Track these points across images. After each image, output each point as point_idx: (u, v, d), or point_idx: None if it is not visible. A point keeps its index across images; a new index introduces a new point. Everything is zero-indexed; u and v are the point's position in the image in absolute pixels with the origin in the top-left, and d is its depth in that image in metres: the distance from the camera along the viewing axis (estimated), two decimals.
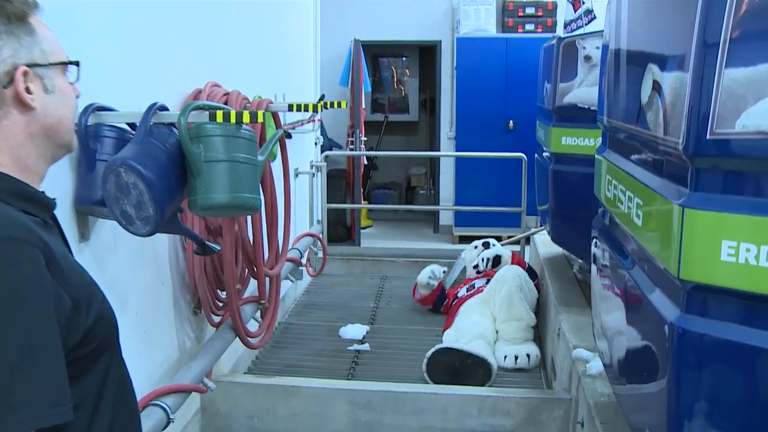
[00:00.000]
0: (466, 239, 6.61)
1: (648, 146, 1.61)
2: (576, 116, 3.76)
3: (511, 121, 6.98)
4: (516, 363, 3.89)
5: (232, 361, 3.57)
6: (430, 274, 4.78)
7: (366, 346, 4.17)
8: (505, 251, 4.93)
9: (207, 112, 1.97)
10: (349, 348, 4.16)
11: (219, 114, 1.95)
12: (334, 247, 6.15)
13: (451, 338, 4.08)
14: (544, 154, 4.29)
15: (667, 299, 1.41)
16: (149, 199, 1.79)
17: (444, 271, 4.85)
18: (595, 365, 2.91)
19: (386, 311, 4.95)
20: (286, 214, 3.15)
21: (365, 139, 6.92)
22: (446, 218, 7.47)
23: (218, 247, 2.20)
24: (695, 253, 1.29)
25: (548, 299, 4.16)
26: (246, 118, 1.95)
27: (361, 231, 6.98)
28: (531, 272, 4.59)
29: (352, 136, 6.79)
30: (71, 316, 0.98)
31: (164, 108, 2.01)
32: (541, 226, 5.74)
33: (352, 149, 6.74)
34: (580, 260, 4.44)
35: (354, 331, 4.42)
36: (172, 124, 1.96)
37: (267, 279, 3.06)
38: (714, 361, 1.30)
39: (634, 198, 1.69)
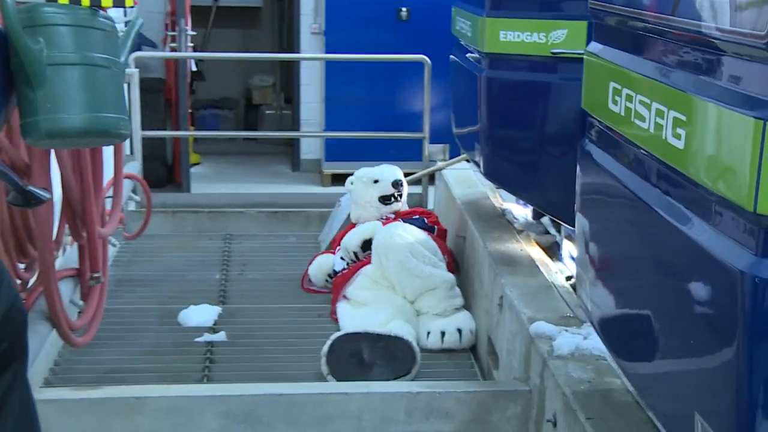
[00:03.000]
0: (341, 179, 6.66)
1: (696, 44, 1.72)
2: (524, 0, 3.90)
3: (404, 9, 7.06)
4: (443, 342, 4.06)
5: None
6: (326, 279, 4.81)
7: (221, 336, 4.20)
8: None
9: None
10: (197, 339, 4.16)
11: None
12: (152, 196, 6.01)
13: (359, 321, 4.17)
14: (469, 55, 4.41)
15: (733, 241, 1.55)
16: None
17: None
18: (565, 342, 3.10)
19: (240, 284, 4.98)
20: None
21: (193, 33, 6.75)
22: (311, 150, 7.52)
23: (48, 196, 2.15)
24: None
25: (477, 259, 4.34)
26: None
27: (191, 171, 6.90)
28: (424, 222, 4.74)
29: (174, 29, 6.61)
30: None
31: None
32: (450, 158, 5.94)
33: (174, 49, 6.57)
34: (524, 203, 4.64)
35: (200, 315, 4.42)
36: None
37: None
38: None
39: (668, 112, 1.81)
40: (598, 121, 2.34)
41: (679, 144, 1.76)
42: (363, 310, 4.29)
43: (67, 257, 3.45)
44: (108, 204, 3.78)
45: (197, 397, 3.27)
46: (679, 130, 1.76)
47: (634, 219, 2.09)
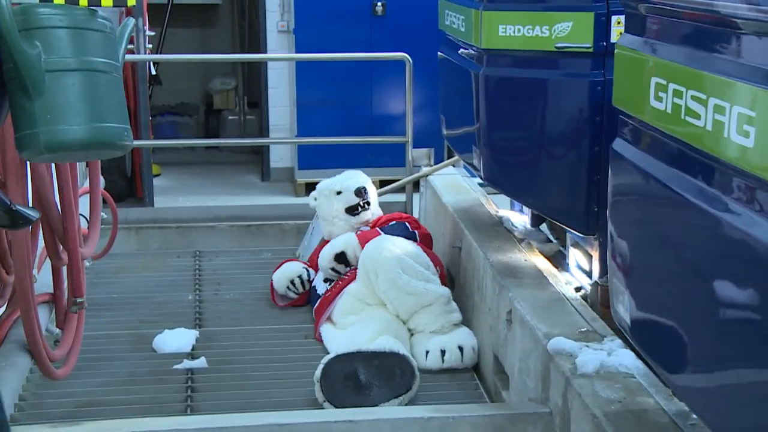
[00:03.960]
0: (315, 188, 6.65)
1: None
2: None
3: (379, 3, 7.04)
4: (443, 361, 4.03)
5: None
6: (288, 285, 4.77)
7: (201, 362, 4.17)
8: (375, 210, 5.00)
9: None
10: (175, 366, 4.13)
11: None
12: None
13: (345, 341, 4.14)
14: (463, 52, 4.38)
15: None
16: None
17: (307, 276, 4.82)
18: (589, 359, 3.07)
19: (216, 305, 4.95)
20: None
21: (151, 33, 6.68)
22: (282, 158, 7.49)
23: (36, 216, 2.13)
24: None
25: (477, 271, 4.31)
26: None
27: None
28: (406, 228, 4.72)
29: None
30: None
31: None
32: (435, 163, 5.92)
33: (130, 51, 6.47)
34: (521, 209, 4.62)
35: (176, 340, 4.39)
36: None
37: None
38: None
39: (731, 108, 1.80)
40: (636, 119, 2.32)
41: (747, 142, 1.74)
42: (349, 330, 4.27)
43: (38, 281, 3.36)
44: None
45: (188, 431, 3.22)
46: (747, 128, 1.74)
47: (684, 223, 2.07)
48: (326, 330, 4.41)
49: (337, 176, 5.05)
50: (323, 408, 3.64)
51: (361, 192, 4.86)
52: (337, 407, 3.62)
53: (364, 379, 3.69)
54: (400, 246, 4.30)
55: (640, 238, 2.40)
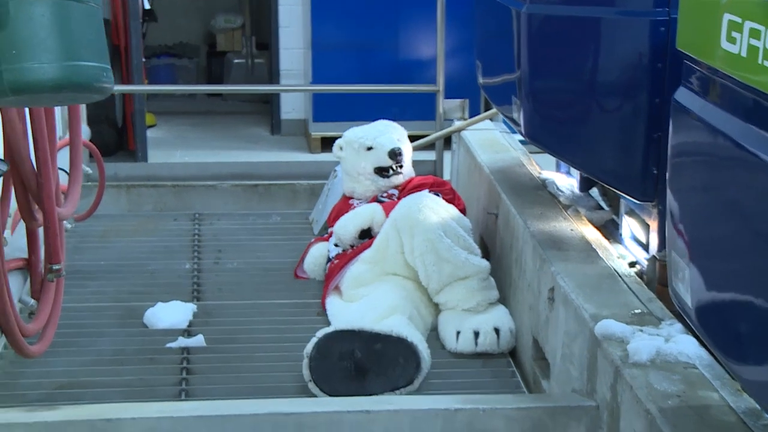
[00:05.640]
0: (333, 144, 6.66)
1: None
2: None
3: None
4: (476, 344, 4.03)
5: None
6: (325, 269, 4.74)
7: (198, 340, 4.21)
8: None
9: None
10: (169, 345, 4.17)
11: None
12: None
13: (349, 316, 4.15)
14: None
15: None
16: None
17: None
18: (643, 346, 3.03)
19: (217, 276, 5.00)
20: None
21: None
22: (294, 108, 7.50)
23: (4, 168, 2.16)
24: None
25: (515, 241, 4.29)
26: None
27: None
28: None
29: None
30: None
31: None
32: (470, 116, 5.87)
33: None
34: (568, 171, 4.57)
35: (170, 314, 4.44)
36: None
37: None
38: None
39: None
40: (704, 65, 2.27)
41: None
42: (356, 303, 4.29)
43: (10, 245, 3.36)
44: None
45: (184, 418, 3.21)
46: None
47: (759, 187, 2.02)
48: (332, 302, 4.45)
49: (369, 126, 5.04)
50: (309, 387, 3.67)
51: (395, 154, 4.84)
52: (323, 390, 3.65)
53: (360, 363, 3.69)
54: (442, 205, 4.30)
55: (705, 206, 2.35)
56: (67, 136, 3.48)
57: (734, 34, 2.09)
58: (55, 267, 3.01)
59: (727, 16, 2.13)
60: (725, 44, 2.14)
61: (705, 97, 2.30)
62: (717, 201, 2.28)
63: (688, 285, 2.40)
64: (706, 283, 2.33)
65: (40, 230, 3.13)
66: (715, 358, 2.80)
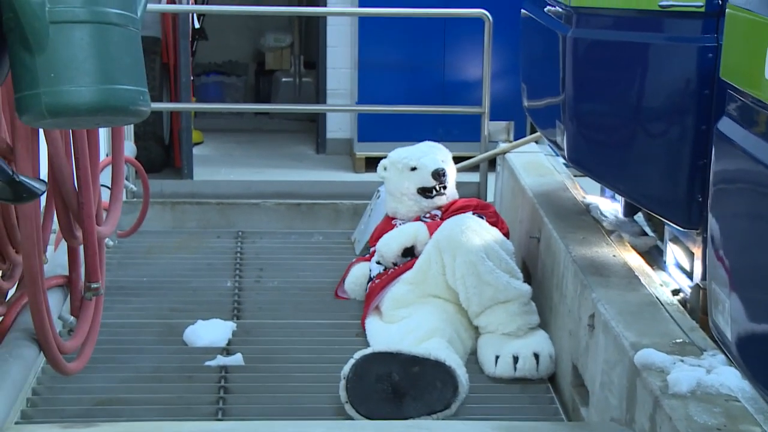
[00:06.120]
0: (377, 164, 6.63)
1: None
2: None
3: None
4: (515, 369, 4.01)
5: None
6: (366, 289, 4.72)
7: (237, 358, 4.21)
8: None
9: None
10: (207, 363, 4.18)
11: None
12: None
13: (388, 338, 4.16)
14: (549, 9, 4.33)
15: None
16: None
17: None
18: (683, 377, 2.99)
19: (257, 294, 5.02)
20: None
21: None
22: (340, 127, 7.51)
23: (43, 189, 2.20)
24: None
25: (557, 266, 4.26)
26: None
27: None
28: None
29: None
30: None
31: None
32: (515, 139, 5.86)
33: (172, 1, 6.53)
34: (612, 196, 4.54)
35: (210, 332, 4.45)
36: None
37: None
38: None
39: None
40: (747, 95, 2.24)
41: None
42: (396, 325, 4.29)
43: (52, 262, 3.39)
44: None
45: None
46: None
47: None
48: (371, 323, 4.45)
49: (414, 147, 5.06)
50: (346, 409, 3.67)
51: (438, 175, 4.85)
52: (359, 412, 3.65)
53: (397, 386, 3.68)
54: (485, 228, 4.31)
55: (747, 236, 2.32)
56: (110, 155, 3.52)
57: None
58: (94, 285, 3.02)
59: None
60: None
61: (748, 128, 2.27)
62: (758, 232, 2.25)
63: (728, 317, 2.37)
64: (745, 315, 2.29)
65: (81, 248, 3.16)
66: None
